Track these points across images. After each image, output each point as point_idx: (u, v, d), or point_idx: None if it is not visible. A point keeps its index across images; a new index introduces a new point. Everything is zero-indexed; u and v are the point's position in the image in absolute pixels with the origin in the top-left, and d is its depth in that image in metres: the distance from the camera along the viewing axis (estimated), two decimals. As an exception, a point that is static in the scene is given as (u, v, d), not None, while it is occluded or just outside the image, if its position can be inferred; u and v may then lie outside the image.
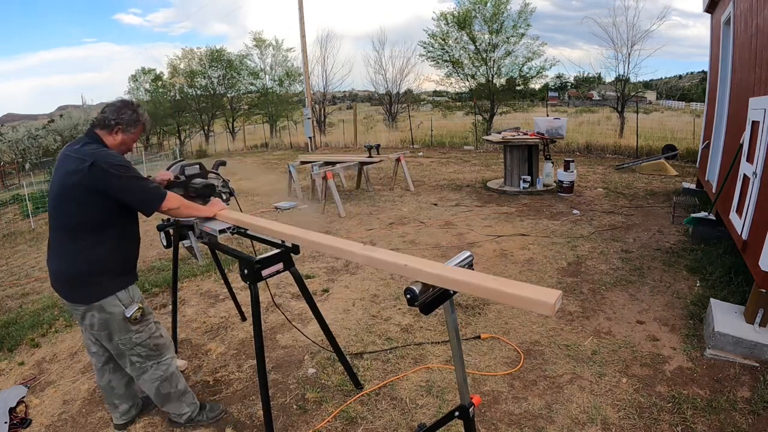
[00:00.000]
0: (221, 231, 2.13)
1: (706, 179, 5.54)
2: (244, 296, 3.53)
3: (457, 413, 1.49)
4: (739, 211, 3.32)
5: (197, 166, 2.40)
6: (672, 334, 2.84)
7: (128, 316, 1.96)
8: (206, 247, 2.62)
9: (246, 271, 2.01)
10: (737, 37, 4.37)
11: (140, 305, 2.01)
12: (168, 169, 2.35)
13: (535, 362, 2.63)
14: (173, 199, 2.00)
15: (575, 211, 5.85)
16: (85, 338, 2.14)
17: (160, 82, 23.86)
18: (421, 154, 12.71)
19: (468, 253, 1.45)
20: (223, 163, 2.50)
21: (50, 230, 1.96)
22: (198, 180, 2.34)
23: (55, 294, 4.19)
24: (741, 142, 3.53)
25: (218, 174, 2.47)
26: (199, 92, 22.94)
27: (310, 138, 15.84)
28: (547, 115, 10.12)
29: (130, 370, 2.11)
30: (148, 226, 2.25)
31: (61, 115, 23.64)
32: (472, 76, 15.85)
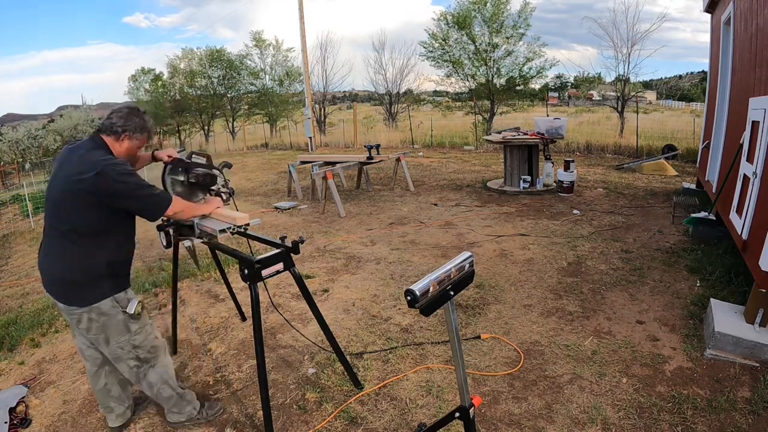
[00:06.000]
0: (221, 231, 2.13)
1: (706, 179, 5.54)
2: (244, 296, 3.53)
3: (457, 414, 1.48)
4: (739, 211, 3.32)
5: (205, 157, 2.42)
6: (672, 334, 2.84)
7: (131, 312, 1.97)
8: (206, 247, 2.62)
9: (246, 271, 2.01)
10: (737, 37, 4.37)
11: (140, 300, 2.02)
12: (178, 153, 2.38)
13: (535, 362, 2.63)
14: (178, 204, 2.01)
15: (575, 211, 5.85)
16: (79, 342, 2.12)
17: (160, 82, 23.85)
18: (421, 154, 12.70)
19: (468, 254, 1.45)
20: (229, 166, 2.51)
21: (46, 232, 1.93)
22: (201, 169, 2.35)
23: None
24: (741, 142, 3.53)
25: (222, 173, 2.47)
26: (199, 92, 22.92)
27: (310, 138, 15.83)
28: (547, 115, 10.11)
29: (128, 375, 2.10)
30: (147, 225, 2.25)
31: (61, 115, 23.62)
32: (472, 76, 15.84)
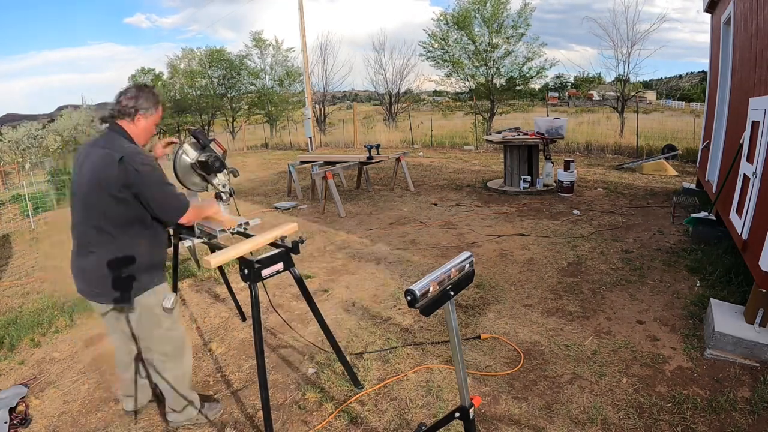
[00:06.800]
0: (221, 231, 2.13)
1: (706, 179, 5.54)
2: (244, 296, 3.53)
3: (457, 414, 1.48)
4: (739, 211, 3.32)
5: (223, 151, 2.41)
6: (672, 334, 2.84)
7: (168, 306, 2.00)
8: (206, 247, 2.62)
9: (246, 271, 2.01)
10: (737, 37, 4.37)
11: (175, 295, 2.07)
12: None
13: (535, 362, 2.63)
14: (192, 213, 2.00)
15: (575, 211, 5.85)
16: (116, 339, 2.15)
17: (160, 82, 23.86)
18: (421, 154, 12.70)
19: (468, 254, 1.45)
20: (236, 174, 2.51)
21: (77, 233, 1.90)
22: (214, 154, 2.35)
23: (55, 294, 4.22)
24: (741, 142, 3.53)
25: (228, 172, 2.47)
26: (199, 92, 22.92)
27: (310, 138, 15.82)
28: (547, 115, 10.11)
29: (155, 364, 2.14)
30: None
31: (61, 115, 23.58)
32: (472, 76, 15.83)
